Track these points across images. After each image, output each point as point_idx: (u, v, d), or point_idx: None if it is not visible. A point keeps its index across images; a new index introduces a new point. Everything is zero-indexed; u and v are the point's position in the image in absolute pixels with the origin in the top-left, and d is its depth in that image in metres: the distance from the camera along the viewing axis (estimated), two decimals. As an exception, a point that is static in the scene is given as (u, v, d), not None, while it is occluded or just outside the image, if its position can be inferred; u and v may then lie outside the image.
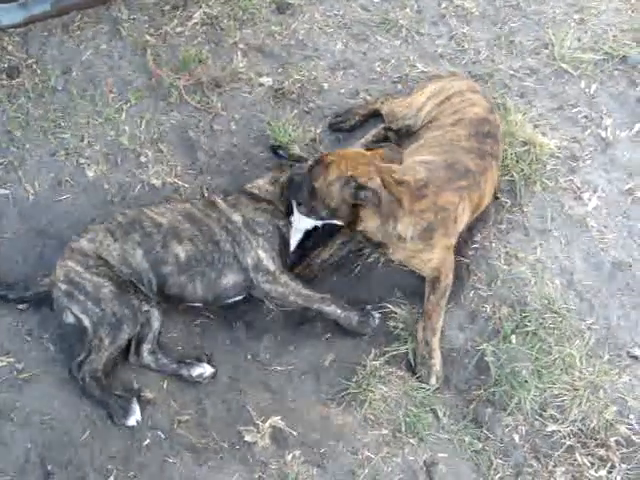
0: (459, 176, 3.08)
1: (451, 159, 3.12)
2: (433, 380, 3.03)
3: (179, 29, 4.12)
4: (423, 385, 3.02)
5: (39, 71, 3.92)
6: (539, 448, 2.91)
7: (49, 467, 2.79)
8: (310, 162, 3.16)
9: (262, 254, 3.11)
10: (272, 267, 3.10)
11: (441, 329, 3.10)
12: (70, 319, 3.03)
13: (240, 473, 2.80)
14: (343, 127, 3.75)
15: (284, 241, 3.22)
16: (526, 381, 3.00)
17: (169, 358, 3.09)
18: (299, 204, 3.14)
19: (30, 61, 3.95)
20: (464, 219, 3.13)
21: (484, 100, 3.40)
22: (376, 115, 3.72)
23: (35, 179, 3.57)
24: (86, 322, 2.99)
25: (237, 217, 3.18)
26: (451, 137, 3.24)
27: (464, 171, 3.10)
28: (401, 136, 3.54)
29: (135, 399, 2.94)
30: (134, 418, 2.90)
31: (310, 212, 3.12)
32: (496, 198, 3.44)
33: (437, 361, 3.04)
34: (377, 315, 3.14)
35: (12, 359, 3.04)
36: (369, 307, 3.17)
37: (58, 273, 3.06)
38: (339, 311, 3.10)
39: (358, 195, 2.89)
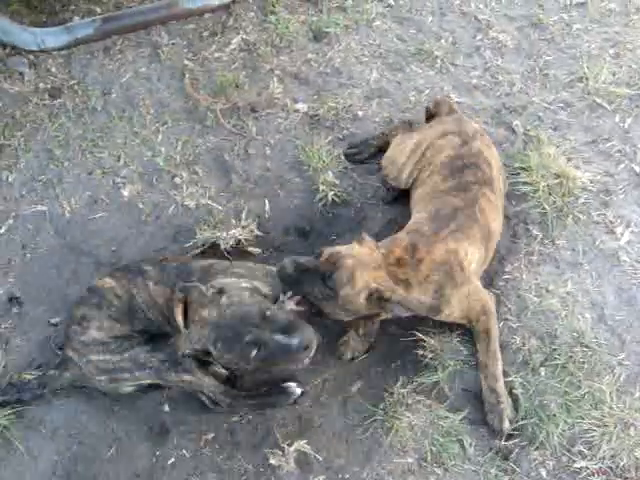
0: (447, 221, 3.00)
1: (435, 207, 3.08)
2: (506, 424, 2.94)
3: (217, 54, 4.21)
4: (449, 414, 2.99)
5: (80, 92, 4.04)
6: (566, 484, 2.87)
7: (75, 481, 2.82)
8: (314, 259, 2.84)
9: None
10: None
11: (501, 370, 3.02)
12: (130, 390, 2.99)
13: (264, 496, 2.81)
14: (357, 158, 3.75)
15: None
16: (555, 415, 2.95)
17: None
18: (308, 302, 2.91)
19: (72, 82, 4.08)
20: (474, 258, 3.02)
21: (456, 138, 3.30)
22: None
23: (72, 196, 3.66)
24: (148, 381, 2.95)
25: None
26: (430, 188, 3.22)
27: (451, 212, 3.03)
28: None
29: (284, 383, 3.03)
30: (298, 391, 3.02)
31: (313, 309, 2.93)
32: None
33: (506, 405, 2.96)
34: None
35: (42, 372, 3.08)
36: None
37: (91, 371, 2.93)
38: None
39: (384, 307, 2.81)
